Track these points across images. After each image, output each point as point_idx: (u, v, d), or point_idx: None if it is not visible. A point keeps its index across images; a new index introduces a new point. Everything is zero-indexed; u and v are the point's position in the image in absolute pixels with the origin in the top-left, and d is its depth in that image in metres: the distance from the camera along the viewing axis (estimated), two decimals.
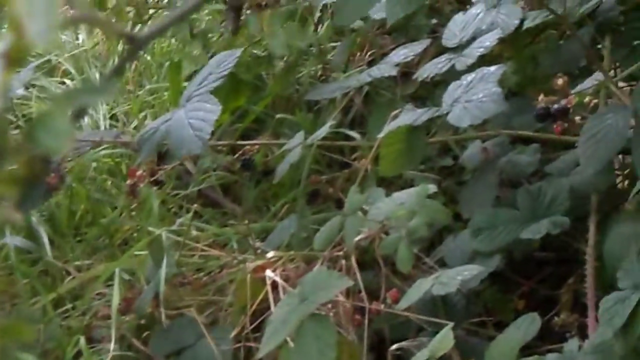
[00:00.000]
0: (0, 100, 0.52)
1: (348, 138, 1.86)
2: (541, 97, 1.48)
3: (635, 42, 1.64)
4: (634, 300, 1.27)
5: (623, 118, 1.37)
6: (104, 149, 1.96)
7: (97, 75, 2.22)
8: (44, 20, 0.49)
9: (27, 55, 0.57)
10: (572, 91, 1.52)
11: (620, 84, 1.59)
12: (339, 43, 2.06)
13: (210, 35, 2.05)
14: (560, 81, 1.46)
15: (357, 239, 1.54)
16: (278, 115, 1.98)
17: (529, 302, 1.62)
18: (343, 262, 1.56)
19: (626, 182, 1.62)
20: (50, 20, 0.49)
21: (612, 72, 1.60)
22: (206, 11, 2.21)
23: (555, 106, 1.47)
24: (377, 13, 1.68)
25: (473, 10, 1.64)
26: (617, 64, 1.67)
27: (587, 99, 1.52)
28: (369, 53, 2.02)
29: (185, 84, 1.85)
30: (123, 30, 0.62)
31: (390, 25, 1.80)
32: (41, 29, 0.49)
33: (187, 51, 1.89)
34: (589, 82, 1.54)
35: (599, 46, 1.67)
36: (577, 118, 1.49)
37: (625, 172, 1.62)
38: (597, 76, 1.53)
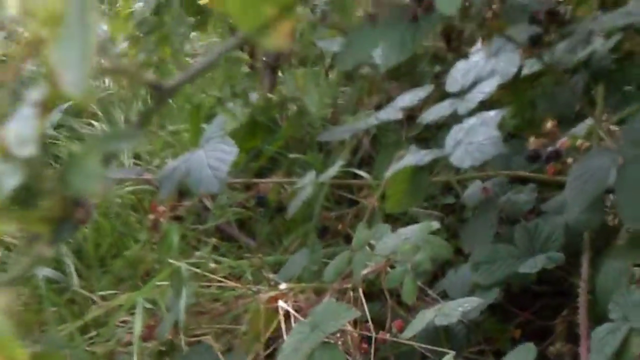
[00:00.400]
0: (34, 146, 0.55)
1: (356, 177, 1.88)
2: (532, 139, 1.49)
3: (626, 88, 1.65)
4: (624, 331, 1.29)
5: (609, 160, 1.36)
6: (127, 185, 1.99)
7: (122, 117, 2.23)
8: (78, 71, 0.50)
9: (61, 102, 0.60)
10: (566, 134, 1.53)
11: (613, 127, 1.57)
12: (347, 88, 2.07)
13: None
14: (549, 124, 1.48)
15: (364, 272, 1.56)
16: (291, 155, 2.00)
17: (526, 331, 1.63)
18: (351, 293, 1.57)
19: (616, 220, 1.59)
20: (84, 70, 0.51)
21: (605, 116, 1.59)
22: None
23: (549, 149, 1.49)
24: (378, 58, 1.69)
25: (474, 59, 1.65)
26: (610, 109, 1.64)
27: (579, 142, 1.54)
28: (376, 97, 2.03)
29: (204, 125, 1.85)
30: (151, 80, 0.64)
31: (396, 71, 1.82)
32: (76, 79, 0.51)
33: (228, 109, 1.90)
34: (582, 126, 1.57)
35: (593, 92, 1.67)
36: (570, 160, 1.52)
37: (615, 210, 1.59)
38: (590, 120, 1.55)
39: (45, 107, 0.56)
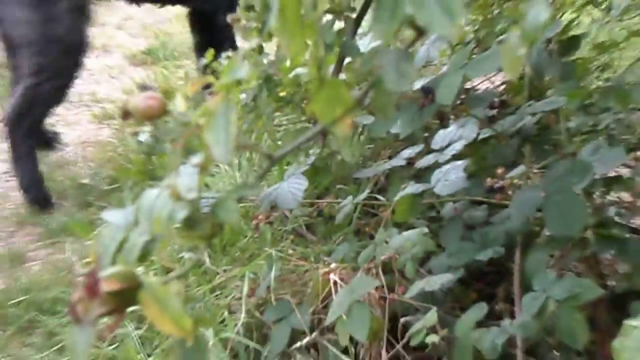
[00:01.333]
0: (196, 192, 0.54)
1: (377, 199, 1.86)
2: (488, 179, 1.48)
3: (545, 147, 1.62)
4: (543, 297, 1.28)
5: (535, 192, 1.36)
6: (240, 203, 1.98)
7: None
8: (224, 148, 0.51)
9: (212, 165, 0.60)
10: (507, 176, 1.52)
11: (536, 172, 1.57)
12: (371, 145, 2.05)
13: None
14: (499, 170, 1.46)
15: (382, 257, 1.55)
16: (338, 186, 1.99)
17: (480, 295, 1.60)
18: (374, 270, 1.56)
19: (538, 228, 1.57)
20: (228, 147, 0.51)
21: (531, 165, 1.55)
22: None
23: (497, 185, 1.47)
24: (394, 129, 1.69)
25: (449, 129, 1.63)
26: (534, 160, 1.63)
27: (516, 181, 1.52)
28: (388, 151, 2.03)
29: (286, 167, 1.88)
30: (266, 152, 0.63)
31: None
32: (222, 153, 0.52)
33: (300, 159, 1.91)
34: (516, 171, 1.54)
35: (523, 149, 1.64)
36: (510, 192, 1.49)
37: (537, 222, 1.58)
38: (522, 167, 1.52)
39: (203, 167, 0.55)
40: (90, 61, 3.91)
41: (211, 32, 3.23)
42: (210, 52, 2.05)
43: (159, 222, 0.53)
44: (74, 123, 3.31)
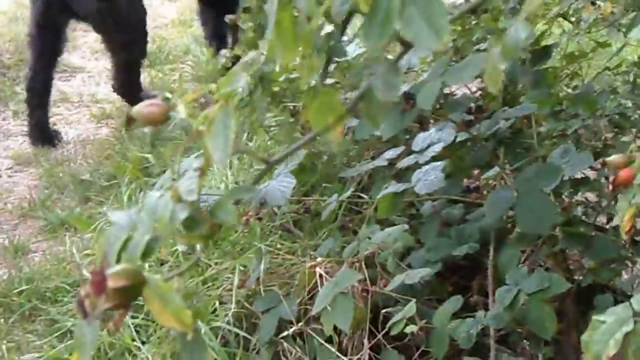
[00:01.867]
0: (195, 194, 0.54)
1: (360, 197, 1.85)
2: (465, 180, 1.48)
3: (517, 150, 1.63)
4: (515, 290, 1.28)
5: (508, 192, 1.36)
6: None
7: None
8: (223, 152, 0.52)
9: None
10: (483, 176, 1.53)
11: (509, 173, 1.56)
12: (356, 147, 2.04)
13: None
14: (476, 171, 1.47)
15: (365, 252, 1.55)
16: (324, 184, 1.98)
17: (455, 288, 1.59)
18: (357, 264, 1.55)
19: (509, 225, 1.57)
20: (227, 152, 0.51)
21: (506, 167, 1.57)
22: None
23: (473, 184, 1.48)
24: (378, 132, 1.69)
25: (429, 132, 1.62)
26: (508, 162, 1.63)
27: (490, 181, 1.53)
28: (372, 152, 2.01)
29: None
30: (263, 157, 0.64)
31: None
32: (221, 157, 0.52)
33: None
34: (492, 172, 1.55)
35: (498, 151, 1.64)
36: (485, 192, 1.50)
37: (509, 220, 1.58)
38: (497, 169, 1.53)
39: (202, 171, 0.55)
40: (89, 63, 3.89)
41: None
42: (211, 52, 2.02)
43: (162, 222, 0.53)
44: (74, 122, 3.28)
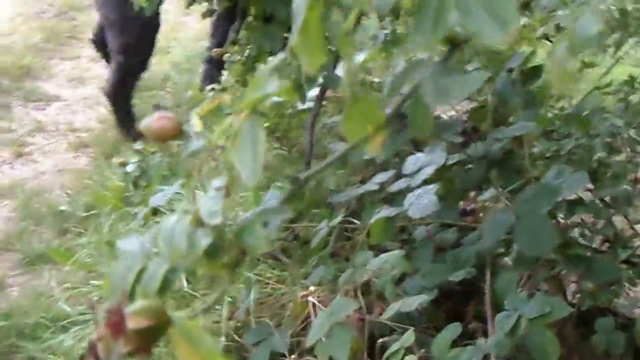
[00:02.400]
0: (220, 217, 0.49)
1: (351, 223, 1.82)
2: (461, 202, 1.46)
3: (510, 171, 1.56)
4: (515, 316, 1.25)
5: (505, 215, 1.33)
6: None
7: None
8: (252, 169, 0.47)
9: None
10: (478, 199, 1.50)
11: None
12: (343, 170, 2.02)
13: None
14: (472, 194, 1.45)
15: (361, 280, 1.52)
16: (313, 210, 1.95)
17: (450, 314, 1.57)
18: (353, 292, 1.52)
19: (503, 250, 1.56)
20: (257, 168, 0.47)
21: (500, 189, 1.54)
22: None
23: (469, 207, 1.45)
24: (367, 155, 1.66)
25: (420, 154, 1.60)
26: (501, 184, 1.59)
27: (487, 203, 1.50)
28: (361, 176, 1.99)
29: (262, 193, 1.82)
30: (292, 174, 0.59)
31: (373, 160, 1.77)
32: (249, 175, 0.47)
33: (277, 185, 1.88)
34: (488, 194, 1.53)
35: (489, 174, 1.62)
36: (481, 215, 1.48)
37: (503, 243, 1.55)
38: (492, 191, 1.51)
39: (228, 190, 0.50)
40: (66, 92, 3.83)
41: None
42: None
43: (180, 250, 0.48)
44: (50, 152, 3.21)
